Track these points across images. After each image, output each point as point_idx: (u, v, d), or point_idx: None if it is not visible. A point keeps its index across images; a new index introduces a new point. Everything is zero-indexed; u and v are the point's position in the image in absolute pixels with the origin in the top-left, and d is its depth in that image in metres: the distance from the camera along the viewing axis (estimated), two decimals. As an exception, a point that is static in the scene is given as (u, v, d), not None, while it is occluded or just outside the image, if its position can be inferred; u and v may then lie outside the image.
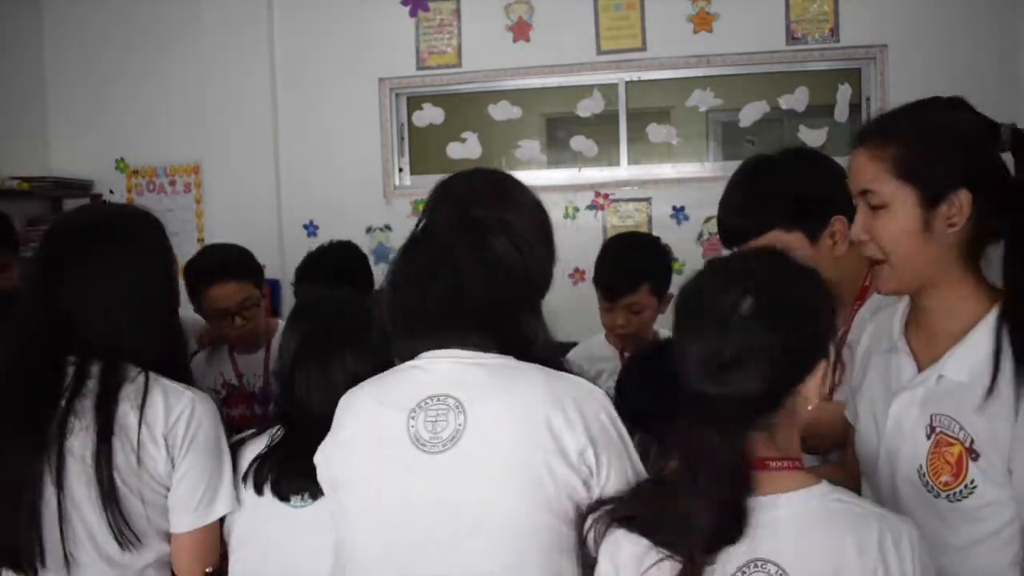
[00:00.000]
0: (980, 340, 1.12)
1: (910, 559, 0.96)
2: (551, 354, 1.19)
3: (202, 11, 3.76)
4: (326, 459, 1.21)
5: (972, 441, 1.10)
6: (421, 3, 3.68)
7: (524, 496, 1.05)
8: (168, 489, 1.35)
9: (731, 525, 0.94)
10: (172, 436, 1.33)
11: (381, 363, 1.28)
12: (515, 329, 1.16)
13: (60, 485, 1.27)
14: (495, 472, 1.06)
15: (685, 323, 1.02)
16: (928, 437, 1.15)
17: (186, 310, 2.24)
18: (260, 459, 1.42)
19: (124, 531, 1.29)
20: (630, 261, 2.11)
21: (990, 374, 1.09)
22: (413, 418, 1.10)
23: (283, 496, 1.39)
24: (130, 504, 1.31)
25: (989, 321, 1.13)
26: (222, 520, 1.42)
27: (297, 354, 1.46)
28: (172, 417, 1.33)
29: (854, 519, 0.97)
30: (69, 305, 1.34)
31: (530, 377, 1.11)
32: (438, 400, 1.10)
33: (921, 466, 1.15)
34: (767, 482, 0.98)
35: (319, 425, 1.32)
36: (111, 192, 3.95)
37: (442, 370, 1.13)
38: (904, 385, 1.20)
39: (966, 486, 1.11)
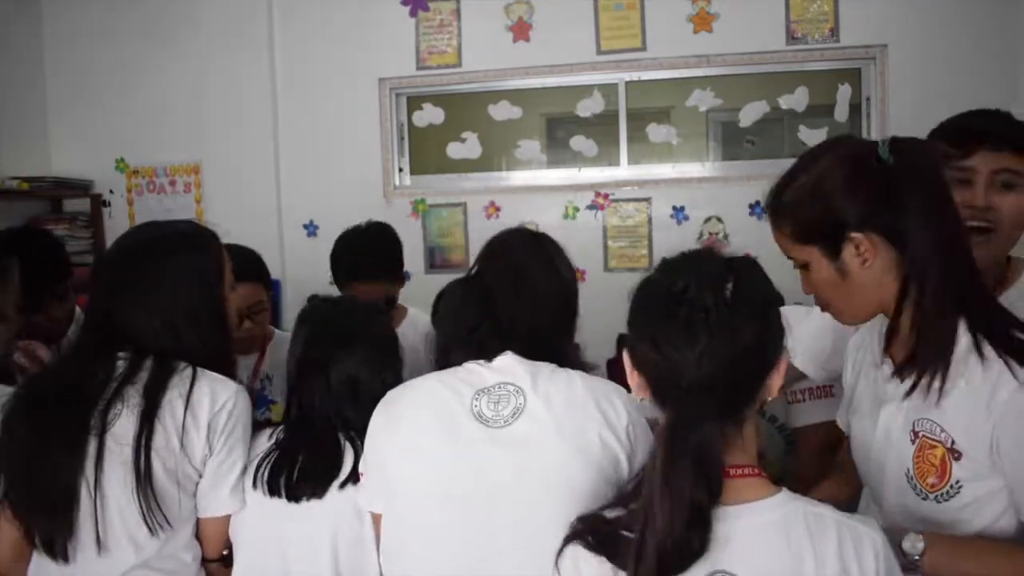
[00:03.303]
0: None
1: (872, 563, 0.95)
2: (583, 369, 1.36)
3: (202, 11, 3.77)
4: (376, 439, 1.32)
5: (952, 442, 1.13)
6: (421, 3, 3.68)
7: (579, 459, 1.19)
8: (200, 475, 1.40)
9: (699, 533, 0.92)
10: (215, 422, 1.39)
11: (383, 367, 1.50)
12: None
13: (99, 469, 1.32)
14: (553, 440, 1.20)
15: (665, 322, 0.97)
16: (912, 442, 1.18)
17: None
18: (271, 459, 1.45)
19: (155, 513, 1.33)
20: None
21: (941, 376, 1.13)
22: (476, 399, 1.26)
23: (296, 498, 1.42)
24: (165, 487, 1.35)
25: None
26: None
27: (301, 359, 1.53)
28: (217, 404, 1.40)
29: (813, 528, 0.96)
30: (127, 314, 1.42)
31: (572, 373, 1.30)
32: (500, 387, 1.27)
33: (908, 469, 1.18)
34: (731, 491, 0.96)
35: (327, 425, 1.46)
36: (111, 192, 3.95)
37: (500, 366, 1.29)
38: (889, 396, 1.23)
39: (951, 486, 1.13)
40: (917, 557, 1.09)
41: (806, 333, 1.53)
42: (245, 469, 1.45)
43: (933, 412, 1.15)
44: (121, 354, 1.40)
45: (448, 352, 1.35)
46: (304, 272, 3.56)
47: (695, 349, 0.94)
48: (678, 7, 3.49)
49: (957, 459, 1.12)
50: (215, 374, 1.43)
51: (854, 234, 1.15)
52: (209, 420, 1.38)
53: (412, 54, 3.71)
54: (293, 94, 3.78)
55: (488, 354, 1.31)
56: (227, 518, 1.44)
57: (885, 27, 3.36)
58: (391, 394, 1.35)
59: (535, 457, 1.20)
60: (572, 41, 3.58)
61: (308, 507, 1.41)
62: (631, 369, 1.05)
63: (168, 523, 1.35)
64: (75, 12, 3.90)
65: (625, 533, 0.97)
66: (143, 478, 1.32)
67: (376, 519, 1.36)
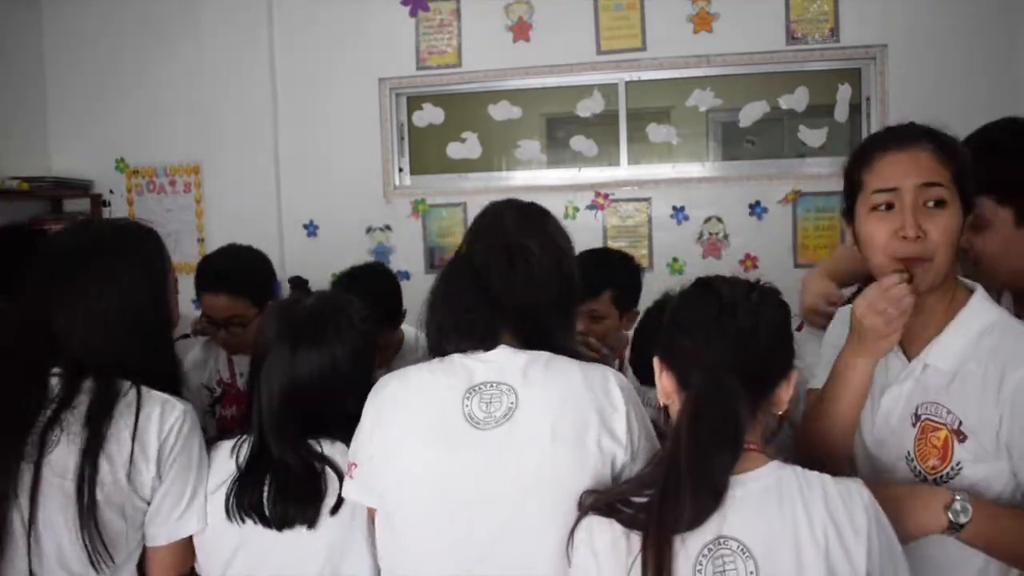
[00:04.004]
0: (960, 329, 1.22)
1: (863, 516, 1.02)
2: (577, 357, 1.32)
3: (202, 11, 3.77)
4: (367, 429, 1.28)
5: (960, 423, 1.18)
6: (421, 3, 3.68)
7: (572, 459, 1.17)
8: (148, 503, 1.33)
9: (719, 489, 1.03)
10: (163, 448, 1.32)
11: (350, 357, 1.41)
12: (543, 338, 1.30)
13: (34, 501, 1.24)
14: (546, 442, 1.18)
15: (701, 313, 1.14)
16: (914, 426, 1.23)
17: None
18: (237, 480, 1.36)
19: (99, 550, 1.25)
20: (593, 268, 2.01)
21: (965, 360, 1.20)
22: (468, 399, 1.22)
23: (278, 527, 1.33)
24: (109, 521, 1.28)
25: (966, 313, 1.23)
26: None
27: (256, 348, 1.44)
28: (165, 428, 1.33)
29: (804, 490, 1.05)
30: (60, 323, 1.33)
31: (567, 364, 1.26)
32: (491, 386, 1.23)
33: (909, 452, 1.23)
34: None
35: (290, 440, 1.36)
36: (111, 192, 3.95)
37: (493, 360, 1.25)
38: (894, 382, 1.27)
39: (952, 468, 1.18)
40: (963, 523, 1.11)
41: (824, 357, 1.43)
42: (199, 492, 1.37)
43: (941, 395, 1.21)
44: (55, 370, 1.31)
45: (442, 340, 1.30)
46: (304, 272, 3.53)
47: (726, 336, 1.09)
48: (678, 7, 3.49)
49: (962, 441, 1.17)
50: (161, 394, 1.35)
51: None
52: (158, 448, 1.31)
53: (412, 54, 3.71)
54: (293, 94, 3.78)
55: (485, 339, 1.26)
56: (176, 546, 1.36)
57: (885, 27, 3.36)
58: (381, 381, 1.31)
59: (526, 458, 1.18)
60: (572, 41, 3.58)
61: (294, 535, 1.33)
62: (660, 371, 1.17)
63: (112, 560, 1.28)
64: (75, 12, 3.90)
65: (635, 499, 1.08)
66: (87, 514, 1.24)
67: (371, 512, 1.32)
